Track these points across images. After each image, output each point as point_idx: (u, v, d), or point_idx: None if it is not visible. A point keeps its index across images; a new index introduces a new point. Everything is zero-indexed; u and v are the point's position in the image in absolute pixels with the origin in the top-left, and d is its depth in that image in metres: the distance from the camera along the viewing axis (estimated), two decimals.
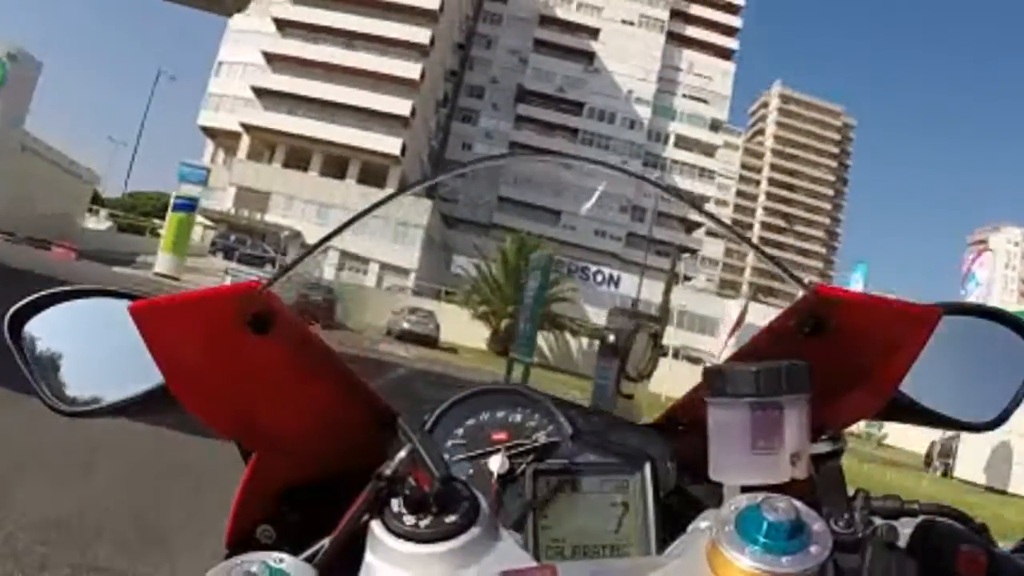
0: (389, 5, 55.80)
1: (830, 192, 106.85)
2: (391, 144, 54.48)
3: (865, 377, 0.73)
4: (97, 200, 54.81)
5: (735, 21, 75.29)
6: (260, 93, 55.68)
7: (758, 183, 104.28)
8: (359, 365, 0.85)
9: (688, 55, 73.05)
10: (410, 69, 55.75)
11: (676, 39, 72.53)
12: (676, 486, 0.93)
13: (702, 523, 0.64)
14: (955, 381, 0.80)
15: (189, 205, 35.63)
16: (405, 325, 33.56)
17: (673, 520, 0.86)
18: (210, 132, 61.07)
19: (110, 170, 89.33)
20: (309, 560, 0.61)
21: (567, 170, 65.32)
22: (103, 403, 0.77)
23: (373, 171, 54.22)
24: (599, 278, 47.87)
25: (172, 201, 35.19)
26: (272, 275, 0.73)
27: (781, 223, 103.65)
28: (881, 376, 0.73)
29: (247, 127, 55.75)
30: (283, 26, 56.93)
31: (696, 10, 73.75)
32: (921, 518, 0.71)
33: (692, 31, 73.47)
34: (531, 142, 66.34)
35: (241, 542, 0.76)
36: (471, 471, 0.93)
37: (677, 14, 72.62)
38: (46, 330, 0.79)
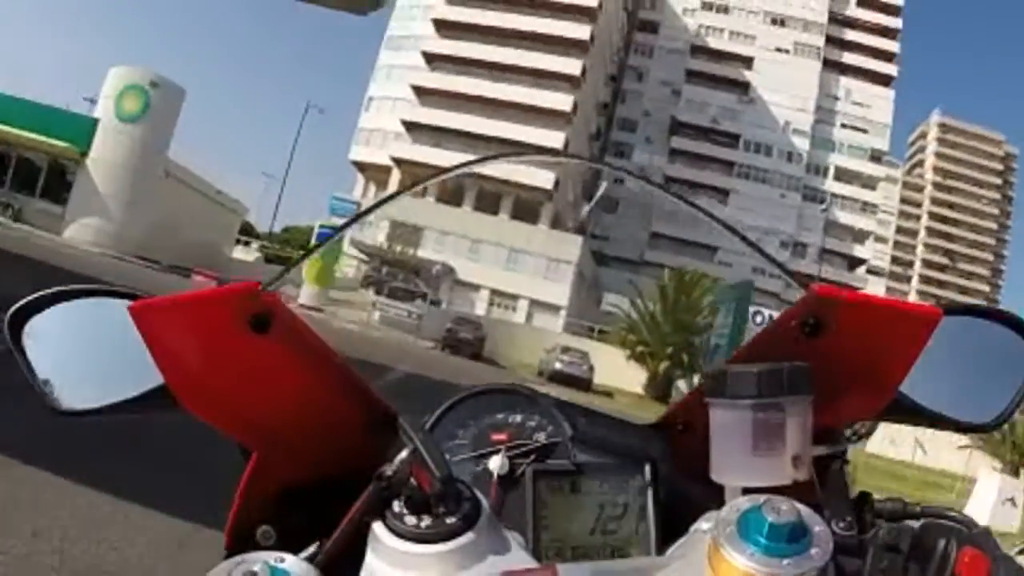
0: (539, 36, 54.52)
1: (993, 226, 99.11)
2: (544, 178, 52.58)
3: (866, 377, 0.73)
4: (251, 233, 55.11)
5: (893, 46, 70.47)
6: (410, 127, 55.08)
7: (918, 218, 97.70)
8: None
9: (845, 83, 68.82)
10: (562, 101, 54.17)
11: (832, 66, 68.41)
12: (676, 487, 0.92)
13: (704, 524, 0.64)
14: (955, 381, 0.80)
15: (333, 235, 34.09)
16: (557, 365, 31.20)
17: (673, 520, 0.86)
18: (361, 166, 60.79)
19: (263, 204, 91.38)
20: (310, 560, 0.61)
21: (723, 205, 62.55)
22: (103, 403, 0.77)
23: (526, 206, 52.58)
24: (758, 319, 44.25)
25: (316, 231, 33.95)
26: (273, 275, 0.74)
27: (943, 260, 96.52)
28: (882, 376, 0.73)
29: (398, 161, 55.04)
30: (432, 60, 56.56)
31: (852, 35, 69.43)
32: (924, 521, 0.71)
33: (849, 58, 69.16)
34: (685, 176, 63.63)
35: (240, 543, 0.75)
36: (471, 472, 0.92)
37: (832, 40, 68.53)
38: (46, 330, 0.78)
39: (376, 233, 51.06)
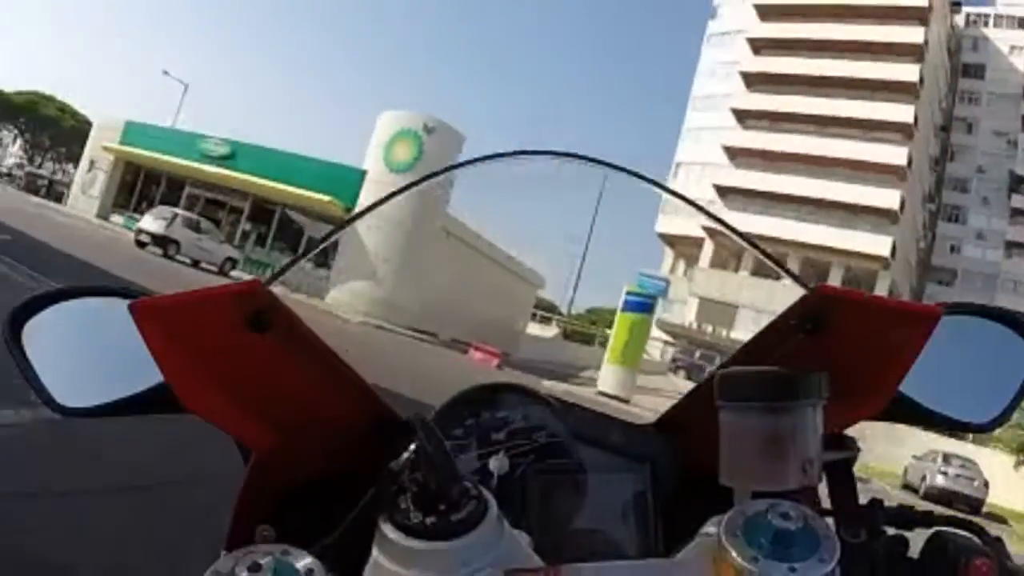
0: (861, 82, 48.39)
1: None
2: (879, 244, 46.17)
3: (866, 377, 0.72)
4: (550, 309, 51.52)
5: None
6: (723, 192, 50.48)
7: None
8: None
9: None
10: (895, 154, 47.74)
11: None
12: (676, 486, 0.92)
13: (710, 528, 0.62)
14: (955, 381, 0.79)
15: (644, 304, 27.30)
16: (940, 480, 23.86)
17: (673, 520, 0.88)
18: (668, 239, 56.53)
19: (568, 283, 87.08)
20: (315, 554, 0.60)
21: None
22: (103, 402, 0.77)
23: (858, 277, 46.08)
24: None
25: (623, 298, 27.70)
26: (272, 273, 0.74)
27: None
28: (882, 376, 0.73)
29: (710, 232, 50.15)
30: (743, 117, 51.89)
31: None
32: (934, 529, 0.71)
33: None
34: None
35: (241, 542, 0.72)
36: (471, 471, 0.91)
37: None
38: (46, 330, 0.78)
39: (684, 312, 46.65)
